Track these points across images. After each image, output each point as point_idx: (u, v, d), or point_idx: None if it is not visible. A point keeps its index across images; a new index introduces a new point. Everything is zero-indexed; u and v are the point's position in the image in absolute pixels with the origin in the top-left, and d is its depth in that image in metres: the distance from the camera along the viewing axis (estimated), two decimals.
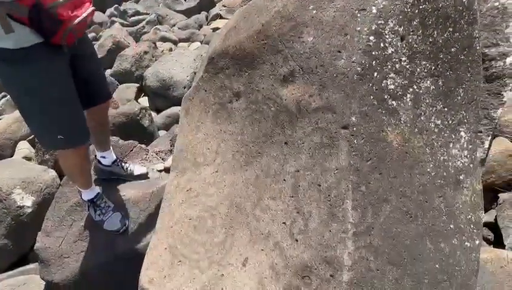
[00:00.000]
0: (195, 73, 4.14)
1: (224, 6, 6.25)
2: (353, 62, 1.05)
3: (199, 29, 5.73)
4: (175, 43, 5.20)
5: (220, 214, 1.24)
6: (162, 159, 2.34)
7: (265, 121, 1.23)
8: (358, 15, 1.08)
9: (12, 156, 3.43)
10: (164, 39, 5.17)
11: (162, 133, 3.46)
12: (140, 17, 6.23)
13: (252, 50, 1.26)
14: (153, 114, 3.65)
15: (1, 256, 2.34)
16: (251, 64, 1.27)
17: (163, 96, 3.82)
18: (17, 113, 3.86)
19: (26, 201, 2.36)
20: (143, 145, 2.36)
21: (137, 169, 2.05)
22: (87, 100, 1.50)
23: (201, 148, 1.38)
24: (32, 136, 3.69)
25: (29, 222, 2.38)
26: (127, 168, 2.04)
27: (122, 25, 5.92)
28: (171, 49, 4.90)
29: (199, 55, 4.37)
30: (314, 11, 1.15)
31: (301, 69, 1.15)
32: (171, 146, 2.41)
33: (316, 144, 1.07)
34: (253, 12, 1.31)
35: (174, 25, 5.93)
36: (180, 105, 3.98)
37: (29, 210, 2.36)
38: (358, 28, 1.06)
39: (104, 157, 1.92)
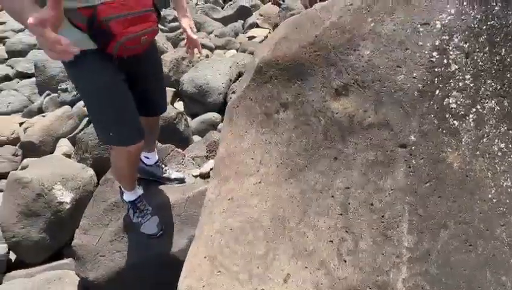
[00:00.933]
0: (230, 80, 4.17)
1: (261, 16, 6.30)
2: (414, 78, 1.00)
3: (235, 37, 5.80)
4: (211, 50, 5.28)
5: (262, 227, 1.21)
6: (198, 165, 2.35)
7: (313, 134, 1.20)
8: (421, 29, 1.03)
9: (52, 152, 3.57)
10: (201, 46, 5.26)
11: (196, 138, 3.50)
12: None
13: (303, 61, 1.24)
14: (188, 119, 3.70)
15: (38, 250, 2.41)
16: (301, 75, 1.25)
17: (198, 101, 3.87)
18: (59, 112, 4.03)
19: (66, 197, 2.43)
20: (180, 150, 2.38)
21: (174, 174, 2.07)
22: (141, 109, 1.55)
23: (245, 157, 1.37)
24: (73, 134, 3.83)
25: (66, 218, 2.45)
26: (165, 171, 2.07)
27: (162, 30, 6.09)
28: (207, 56, 4.97)
29: (235, 62, 4.41)
30: (373, 24, 1.12)
31: (356, 82, 1.11)
32: (207, 152, 2.42)
33: (369, 161, 1.03)
34: (306, 23, 1.29)
35: (211, 32, 6.03)
36: (214, 111, 4.00)
37: (68, 206, 2.43)
38: (421, 43, 1.02)
39: (147, 157, 1.96)
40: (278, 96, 1.32)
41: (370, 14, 1.13)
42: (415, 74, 1.00)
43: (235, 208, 1.29)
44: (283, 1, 6.38)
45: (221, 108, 3.86)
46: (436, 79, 1.00)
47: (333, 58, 1.17)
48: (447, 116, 1.00)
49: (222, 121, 3.78)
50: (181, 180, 2.06)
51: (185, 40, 1.68)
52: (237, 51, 5.27)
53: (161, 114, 1.80)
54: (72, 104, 4.31)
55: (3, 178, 3.20)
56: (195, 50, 1.70)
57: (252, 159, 1.35)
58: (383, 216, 0.96)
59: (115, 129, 1.45)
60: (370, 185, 1.01)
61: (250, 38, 5.67)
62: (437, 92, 1.00)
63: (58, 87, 4.61)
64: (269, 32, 5.81)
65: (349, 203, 1.04)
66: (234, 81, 4.18)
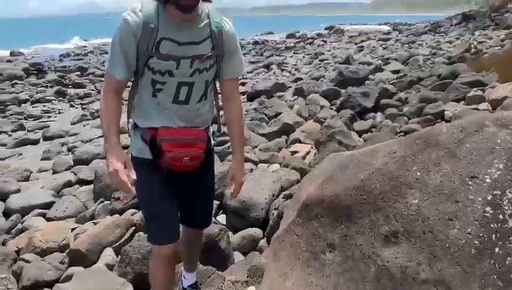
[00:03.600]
0: (273, 195, 4.24)
1: (303, 132, 6.64)
2: (468, 234, 0.97)
3: (278, 152, 6.08)
4: (255, 163, 5.53)
5: None
6: None
7: (363, 282, 1.14)
8: (470, 183, 1.04)
9: (97, 261, 3.62)
10: (246, 160, 5.54)
11: (236, 254, 3.42)
12: (226, 137, 6.90)
13: (349, 203, 1.26)
14: (230, 233, 3.69)
15: None
16: (348, 217, 1.26)
17: (241, 216, 3.90)
18: (108, 220, 4.22)
19: None
20: (220, 273, 2.32)
21: None
22: (185, 220, 1.69)
23: None
24: (117, 243, 3.92)
25: None
26: None
27: None
28: (251, 170, 5.18)
29: (278, 177, 4.53)
30: (418, 173, 1.14)
31: (406, 231, 1.09)
32: (247, 277, 2.33)
33: None
34: (351, 166, 1.35)
35: (255, 147, 6.39)
36: (256, 226, 3.94)
37: None
38: (471, 197, 1.01)
39: (185, 277, 1.92)
40: (325, 236, 1.31)
41: (415, 163, 1.17)
42: (469, 229, 0.97)
43: None
44: (324, 119, 6.77)
45: (262, 224, 3.83)
46: (493, 236, 0.96)
47: (380, 203, 1.18)
48: None
49: (264, 237, 3.73)
50: None
51: (232, 185, 1.77)
52: (280, 165, 5.46)
53: (204, 228, 1.86)
54: (121, 212, 4.52)
55: (49, 287, 3.24)
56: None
57: None
58: None
59: (149, 225, 1.60)
60: None
61: (293, 153, 5.91)
62: (497, 250, 0.94)
63: (112, 195, 4.92)
64: (311, 147, 6.04)
65: None
66: (277, 197, 4.24)
